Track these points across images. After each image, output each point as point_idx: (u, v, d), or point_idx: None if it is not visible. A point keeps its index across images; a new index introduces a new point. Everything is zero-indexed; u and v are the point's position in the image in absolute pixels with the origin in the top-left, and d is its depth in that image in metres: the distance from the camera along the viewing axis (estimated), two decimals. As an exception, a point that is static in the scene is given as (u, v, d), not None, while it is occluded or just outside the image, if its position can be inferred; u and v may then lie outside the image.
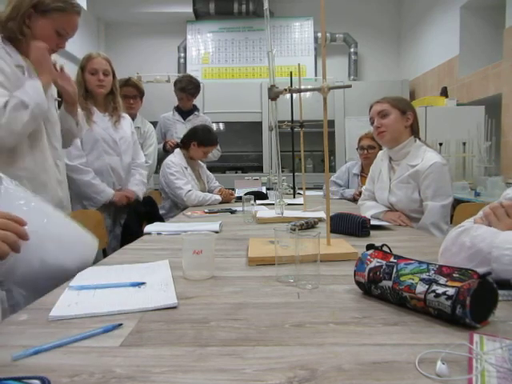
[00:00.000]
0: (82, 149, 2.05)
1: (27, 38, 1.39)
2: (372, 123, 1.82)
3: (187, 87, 3.18)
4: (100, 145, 2.08)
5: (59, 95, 1.63)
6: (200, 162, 2.94)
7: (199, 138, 2.66)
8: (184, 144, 2.73)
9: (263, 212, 1.99)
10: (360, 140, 2.84)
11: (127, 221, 2.11)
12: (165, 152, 3.09)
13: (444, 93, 4.10)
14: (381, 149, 2.09)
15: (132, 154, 2.26)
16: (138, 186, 2.25)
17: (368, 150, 2.75)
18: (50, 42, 1.43)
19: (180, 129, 3.18)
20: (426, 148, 1.75)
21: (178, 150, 2.72)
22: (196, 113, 3.34)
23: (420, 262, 0.73)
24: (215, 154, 3.40)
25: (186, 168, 2.66)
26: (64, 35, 1.46)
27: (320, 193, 3.09)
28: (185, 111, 3.31)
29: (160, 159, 3.10)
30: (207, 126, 2.85)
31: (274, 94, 1.28)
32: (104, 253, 1.89)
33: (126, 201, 2.16)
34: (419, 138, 1.80)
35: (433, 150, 1.77)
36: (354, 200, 2.73)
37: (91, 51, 2.11)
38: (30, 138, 1.41)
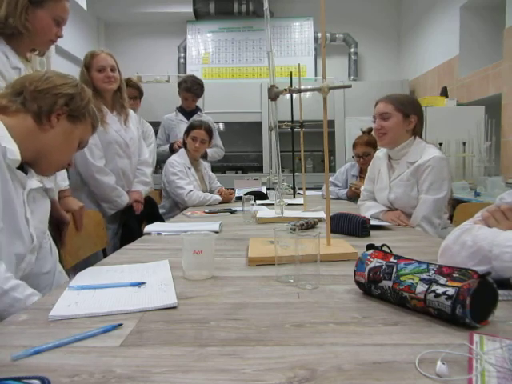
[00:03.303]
0: None
1: (30, 33, 1.37)
2: (374, 121, 1.81)
3: (193, 87, 3.19)
4: (113, 147, 2.05)
5: None
6: (204, 162, 2.94)
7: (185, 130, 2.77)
8: (184, 144, 2.75)
9: (263, 212, 1.99)
10: (354, 147, 2.80)
11: (127, 221, 2.10)
12: (172, 153, 3.09)
13: (444, 93, 4.10)
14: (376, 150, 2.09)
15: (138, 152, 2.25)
16: (141, 187, 2.24)
17: (363, 157, 2.74)
18: (50, 33, 1.42)
19: (184, 129, 3.18)
20: (426, 144, 1.75)
21: (182, 150, 2.73)
22: (199, 113, 3.34)
23: (420, 262, 0.73)
24: (219, 153, 3.40)
25: (189, 168, 2.66)
26: (61, 23, 1.45)
27: (318, 193, 3.09)
28: (188, 111, 3.31)
29: (165, 160, 3.10)
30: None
31: (273, 94, 1.28)
32: (104, 253, 1.88)
33: (141, 206, 2.17)
34: (420, 137, 1.79)
35: (433, 145, 1.76)
36: (349, 198, 2.74)
37: (93, 49, 2.07)
38: None
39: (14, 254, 0.87)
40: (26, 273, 0.95)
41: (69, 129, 1.06)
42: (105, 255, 1.86)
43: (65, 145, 1.07)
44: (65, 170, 1.66)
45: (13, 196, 0.91)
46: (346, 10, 5.33)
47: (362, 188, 2.03)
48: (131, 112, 2.22)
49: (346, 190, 2.83)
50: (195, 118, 3.25)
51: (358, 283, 0.81)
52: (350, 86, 1.24)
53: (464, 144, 3.72)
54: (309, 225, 1.50)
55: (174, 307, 0.75)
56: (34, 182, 1.02)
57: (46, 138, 1.01)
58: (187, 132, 2.71)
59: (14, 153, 0.92)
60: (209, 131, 2.71)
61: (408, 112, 1.73)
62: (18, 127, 0.96)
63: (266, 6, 1.29)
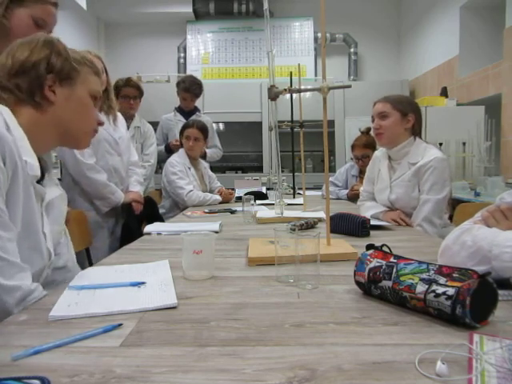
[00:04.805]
0: None
1: (6, 30, 1.32)
2: (373, 121, 1.82)
3: (191, 87, 3.19)
4: (102, 145, 2.05)
5: None
6: (203, 161, 2.94)
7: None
8: (182, 144, 2.75)
9: (263, 212, 1.99)
10: (352, 149, 2.80)
11: (127, 221, 2.10)
12: (167, 153, 3.09)
13: (444, 93, 4.10)
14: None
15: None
16: (138, 187, 2.24)
17: (362, 159, 2.74)
18: (28, 33, 1.31)
19: None
20: (427, 145, 1.76)
21: (182, 150, 2.73)
22: (197, 113, 3.34)
23: (420, 262, 0.73)
24: (217, 153, 3.40)
25: (189, 168, 2.67)
26: (43, 27, 1.39)
27: (318, 193, 3.09)
28: (186, 112, 3.31)
29: (161, 160, 3.10)
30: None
31: (273, 94, 1.28)
32: (87, 253, 1.84)
33: (141, 206, 2.16)
34: (420, 137, 1.79)
35: (433, 145, 1.77)
36: (349, 199, 2.74)
37: (93, 49, 2.04)
38: None
39: (33, 272, 0.85)
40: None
41: (68, 93, 0.95)
42: (88, 255, 1.83)
43: (78, 110, 0.98)
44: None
45: (35, 212, 0.89)
46: (346, 10, 5.33)
47: (361, 189, 2.03)
48: (119, 114, 2.23)
49: (346, 191, 2.84)
50: (193, 118, 3.26)
51: (358, 283, 0.81)
52: (349, 86, 1.24)
53: (464, 144, 3.72)
54: (309, 225, 1.50)
55: (174, 307, 0.75)
56: (53, 190, 0.98)
57: (55, 117, 0.94)
58: (181, 132, 2.72)
59: (34, 168, 0.88)
60: (202, 129, 2.71)
61: (406, 111, 1.74)
62: (30, 125, 0.90)
63: (265, 6, 1.29)
